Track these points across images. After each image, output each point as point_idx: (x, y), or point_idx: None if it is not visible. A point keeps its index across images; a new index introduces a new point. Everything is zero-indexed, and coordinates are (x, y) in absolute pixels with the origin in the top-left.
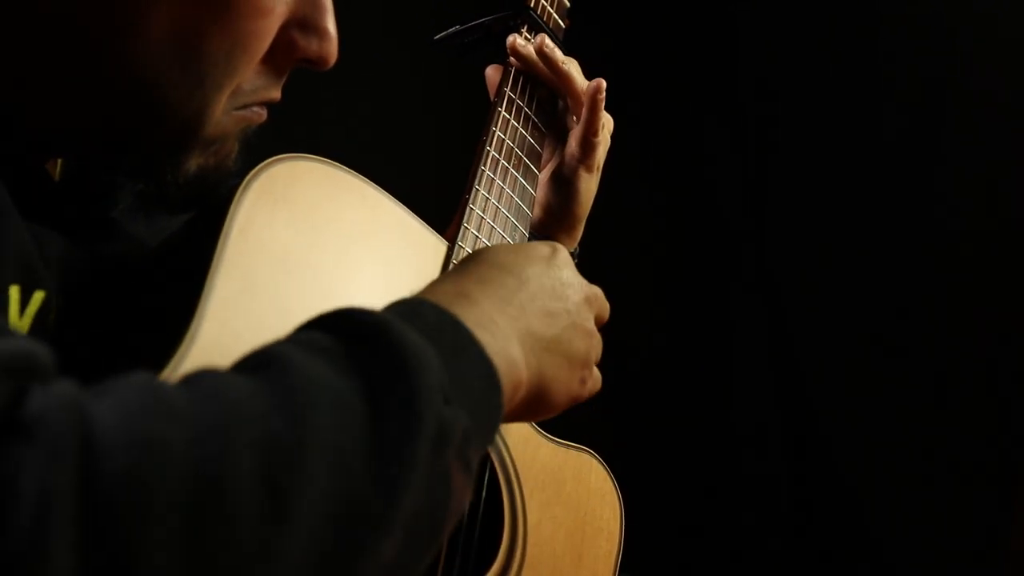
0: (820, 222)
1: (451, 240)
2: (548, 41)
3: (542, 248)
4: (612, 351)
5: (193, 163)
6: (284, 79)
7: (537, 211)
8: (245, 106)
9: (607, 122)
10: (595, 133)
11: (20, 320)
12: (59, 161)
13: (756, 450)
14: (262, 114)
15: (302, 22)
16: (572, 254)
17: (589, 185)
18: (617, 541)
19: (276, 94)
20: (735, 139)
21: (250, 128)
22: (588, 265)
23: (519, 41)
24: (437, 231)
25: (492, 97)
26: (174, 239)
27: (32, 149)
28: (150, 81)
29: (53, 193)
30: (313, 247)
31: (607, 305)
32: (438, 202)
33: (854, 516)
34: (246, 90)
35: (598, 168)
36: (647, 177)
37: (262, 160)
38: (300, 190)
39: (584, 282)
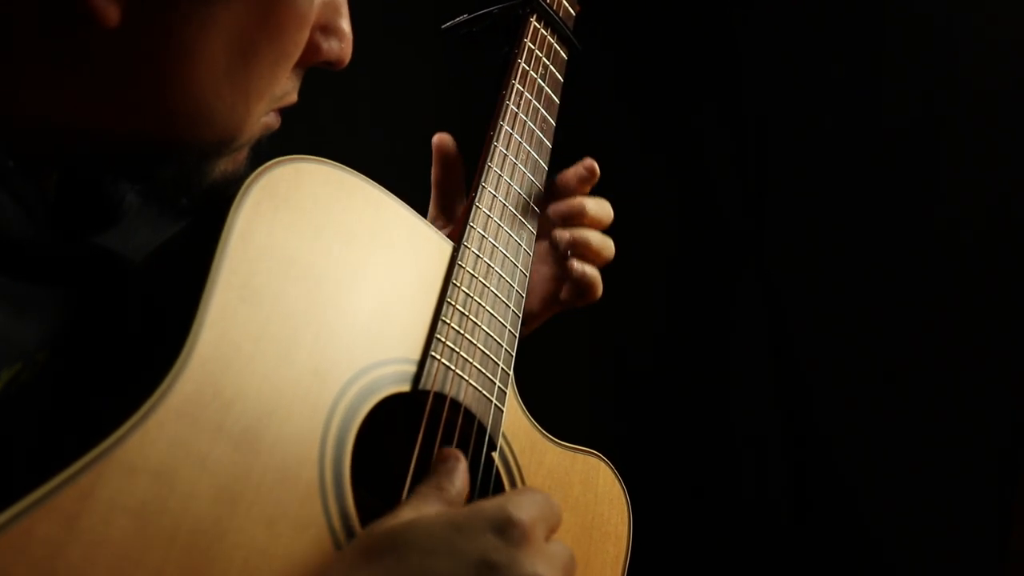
0: (820, 222)
1: (456, 240)
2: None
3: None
4: (613, 351)
5: (219, 170)
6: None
7: None
8: (270, 111)
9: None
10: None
11: None
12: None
13: (757, 451)
14: (278, 120)
15: (324, 26)
16: None
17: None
18: (625, 545)
19: (296, 96)
20: (735, 139)
21: (264, 134)
22: None
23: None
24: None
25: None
26: (171, 246)
27: (46, 162)
28: (203, 98)
29: (50, 212)
30: (316, 252)
31: (536, 511)
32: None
33: (854, 516)
34: (277, 96)
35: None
36: (647, 177)
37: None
38: (304, 193)
39: (486, 519)
